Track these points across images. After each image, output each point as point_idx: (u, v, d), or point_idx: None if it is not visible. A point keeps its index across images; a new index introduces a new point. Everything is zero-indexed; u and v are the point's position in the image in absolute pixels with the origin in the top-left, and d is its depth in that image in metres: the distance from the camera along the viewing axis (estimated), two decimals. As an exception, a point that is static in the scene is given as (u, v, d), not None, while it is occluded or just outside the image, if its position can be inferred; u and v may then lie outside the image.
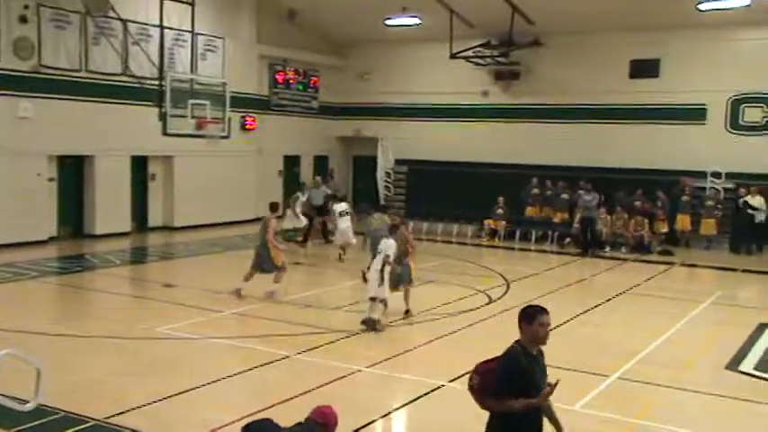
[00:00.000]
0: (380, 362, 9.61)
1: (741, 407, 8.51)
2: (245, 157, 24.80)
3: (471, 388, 4.80)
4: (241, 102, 24.04)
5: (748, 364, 10.09)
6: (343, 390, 8.45)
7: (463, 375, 9.02)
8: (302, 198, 20.75)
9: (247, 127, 24.86)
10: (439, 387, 8.65)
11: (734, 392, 8.88)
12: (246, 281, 13.37)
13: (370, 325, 11.11)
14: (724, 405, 8.62)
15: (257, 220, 24.75)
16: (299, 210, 20.34)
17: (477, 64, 24.93)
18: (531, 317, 4.71)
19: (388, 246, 11.35)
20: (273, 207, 14.13)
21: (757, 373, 9.73)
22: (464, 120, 26.20)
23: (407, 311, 12.18)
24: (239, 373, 9.02)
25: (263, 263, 13.37)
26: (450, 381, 8.82)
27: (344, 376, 8.95)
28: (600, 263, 19.39)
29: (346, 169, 29.74)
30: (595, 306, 13.68)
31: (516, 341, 4.70)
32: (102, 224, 20.60)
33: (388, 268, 11.27)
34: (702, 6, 20.86)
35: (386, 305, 11.48)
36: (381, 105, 27.67)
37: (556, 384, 4.51)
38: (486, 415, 4.77)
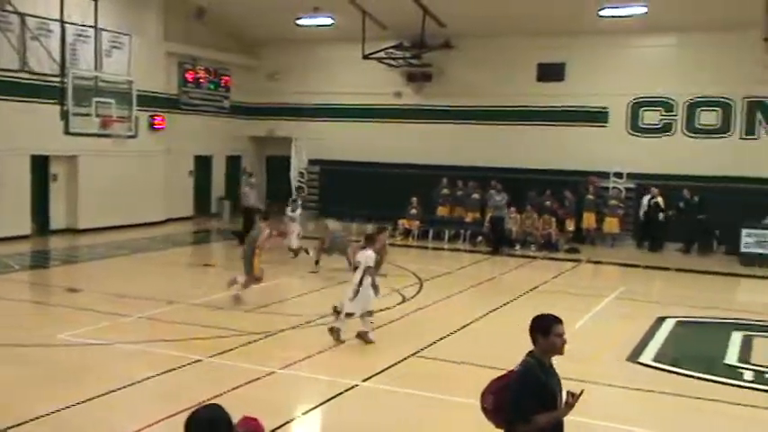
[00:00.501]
0: (295, 363, 9.56)
1: (642, 397, 8.90)
2: (154, 157, 24.17)
3: (485, 409, 4.55)
4: (149, 100, 23.44)
5: (648, 356, 10.56)
6: (257, 392, 8.37)
7: (378, 374, 9.16)
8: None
9: (155, 126, 24.23)
10: (353, 387, 8.67)
11: (635, 383, 9.28)
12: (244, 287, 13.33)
13: (335, 334, 10.55)
14: (626, 395, 9.00)
15: (168, 221, 24.41)
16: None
17: (390, 65, 25.14)
18: (547, 328, 4.45)
19: (368, 257, 10.73)
20: (266, 215, 14.61)
21: (656, 365, 10.19)
22: (377, 120, 26.34)
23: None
24: (149, 378, 8.79)
25: (245, 264, 13.44)
26: (365, 380, 8.88)
27: (259, 378, 8.86)
28: (510, 261, 19.87)
29: (260, 169, 29.41)
30: (505, 303, 14.00)
31: (530, 354, 4.46)
32: (0, 227, 19.65)
33: (368, 280, 10.61)
34: (603, 13, 21.72)
35: (347, 317, 10.65)
36: (295, 105, 27.51)
37: (580, 394, 4.32)
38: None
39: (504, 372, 4.58)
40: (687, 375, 9.70)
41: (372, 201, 23.94)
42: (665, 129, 22.91)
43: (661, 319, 12.77)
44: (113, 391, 8.22)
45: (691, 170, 21.79)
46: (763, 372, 9.94)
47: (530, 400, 4.27)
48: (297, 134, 26.74)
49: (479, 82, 24.54)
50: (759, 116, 21.84)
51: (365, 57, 24.09)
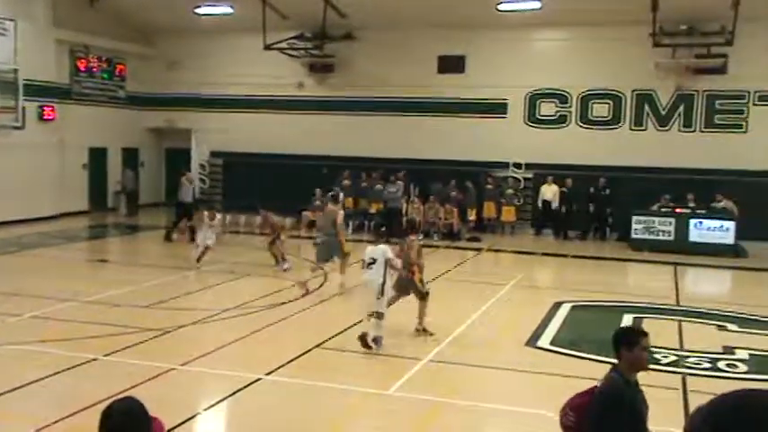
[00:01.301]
0: (196, 358, 9.36)
1: (541, 380, 9.18)
2: (45, 150, 23.09)
3: (566, 426, 4.36)
4: (37, 90, 22.38)
5: (546, 340, 10.91)
6: (157, 389, 8.13)
7: (282, 367, 9.09)
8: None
9: (45, 117, 23.14)
10: (257, 380, 8.57)
11: (533, 367, 9.57)
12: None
13: (365, 341, 9.70)
14: (525, 379, 9.27)
15: (61, 216, 23.38)
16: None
17: (292, 56, 24.91)
18: (633, 341, 4.22)
19: (384, 251, 10.08)
20: (335, 198, 15.15)
21: (553, 348, 10.54)
22: (280, 112, 26.07)
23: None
24: (39, 380, 8.40)
25: (333, 252, 13.85)
26: (268, 373, 8.79)
27: (158, 375, 8.62)
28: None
29: (158, 162, 28.62)
30: (409, 292, 14.12)
31: (613, 368, 4.23)
32: None
33: (389, 280, 10.02)
34: (502, 7, 22.23)
35: (381, 318, 9.96)
36: (195, 96, 26.87)
37: None
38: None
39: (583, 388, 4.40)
40: (582, 357, 10.07)
41: (276, 193, 23.68)
42: (561, 120, 23.67)
43: (558, 304, 13.21)
44: (3, 394, 7.83)
45: (585, 160, 22.61)
46: (651, 351, 10.41)
47: (614, 420, 4.02)
48: (198, 126, 26.16)
49: (382, 73, 24.65)
50: (647, 108, 22.87)
51: (266, 47, 23.78)
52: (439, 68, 24.37)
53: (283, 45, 24.22)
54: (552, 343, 10.81)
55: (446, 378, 9.06)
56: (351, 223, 23.20)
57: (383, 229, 19.62)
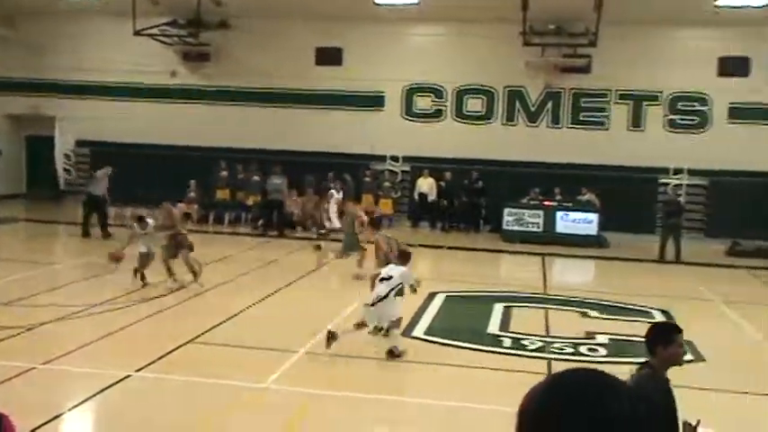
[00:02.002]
0: (59, 357, 8.90)
1: (415, 368, 9.36)
2: None
3: None
4: None
5: (420, 330, 11.12)
6: (16, 390, 7.68)
7: (152, 363, 8.79)
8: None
9: None
10: (125, 378, 8.26)
11: (410, 357, 9.72)
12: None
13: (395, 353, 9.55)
14: (401, 368, 9.40)
15: None
16: (332, 210, 18.95)
17: (164, 43, 24.10)
18: (669, 337, 4.23)
19: (404, 275, 9.96)
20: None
21: (428, 338, 10.76)
22: (152, 100, 25.18)
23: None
24: None
25: (353, 248, 14.30)
26: (137, 370, 8.49)
27: (17, 375, 8.14)
28: (292, 243, 19.95)
29: (18, 151, 26.97)
30: (286, 285, 14.05)
31: (646, 363, 4.22)
32: None
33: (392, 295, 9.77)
34: (379, 1, 22.41)
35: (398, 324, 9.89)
36: (61, 82, 25.50)
37: (697, 425, 4.10)
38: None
39: None
40: (455, 346, 10.34)
41: (149, 184, 22.84)
42: (437, 114, 24.17)
43: (432, 295, 13.48)
44: None
45: (460, 154, 23.21)
46: (520, 338, 10.86)
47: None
48: (64, 113, 24.85)
49: (258, 64, 24.28)
50: (518, 105, 23.73)
51: (136, 33, 22.88)
52: (317, 60, 24.28)
53: (155, 31, 23.39)
54: (426, 333, 11.03)
55: (322, 370, 9.06)
56: (227, 216, 22.81)
57: (261, 222, 19.34)
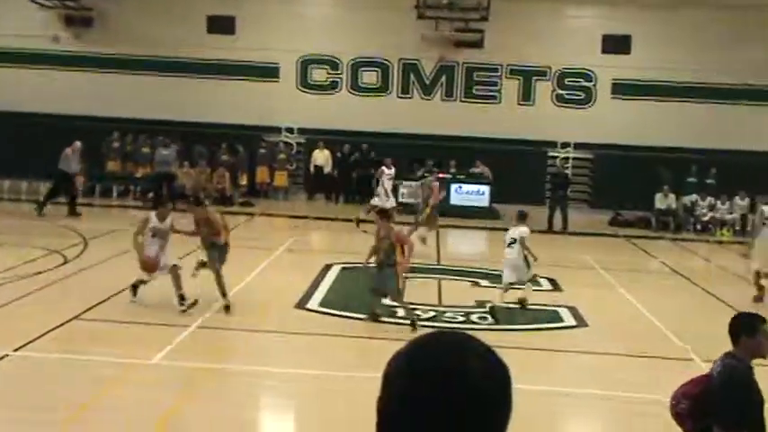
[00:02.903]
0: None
1: (307, 340, 9.36)
2: None
3: (677, 414, 4.17)
4: None
5: (315, 302, 11.12)
6: None
7: (34, 341, 8.40)
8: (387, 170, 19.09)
9: None
10: (2, 357, 7.88)
11: (301, 328, 9.72)
12: None
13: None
14: (296, 341, 9.39)
15: None
16: (388, 186, 18.49)
17: (44, 5, 22.79)
18: (754, 328, 4.09)
19: (522, 232, 11.04)
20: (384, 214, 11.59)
21: (322, 309, 10.78)
22: (33, 66, 23.79)
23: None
24: None
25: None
26: (16, 349, 8.11)
27: None
28: (185, 217, 19.43)
29: None
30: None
31: (729, 354, 4.07)
32: None
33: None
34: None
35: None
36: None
37: None
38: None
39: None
40: (349, 317, 10.41)
41: (29, 155, 21.70)
42: (333, 86, 24.04)
43: (328, 267, 13.50)
44: None
45: (356, 126, 23.18)
46: (412, 308, 11.03)
47: (746, 403, 3.92)
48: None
49: (147, 31, 23.33)
50: (413, 78, 23.92)
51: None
52: (208, 28, 23.59)
53: (32, -8, 22.08)
54: (321, 304, 11.04)
55: (214, 344, 8.95)
56: (115, 189, 22.01)
57: (150, 195, 18.75)
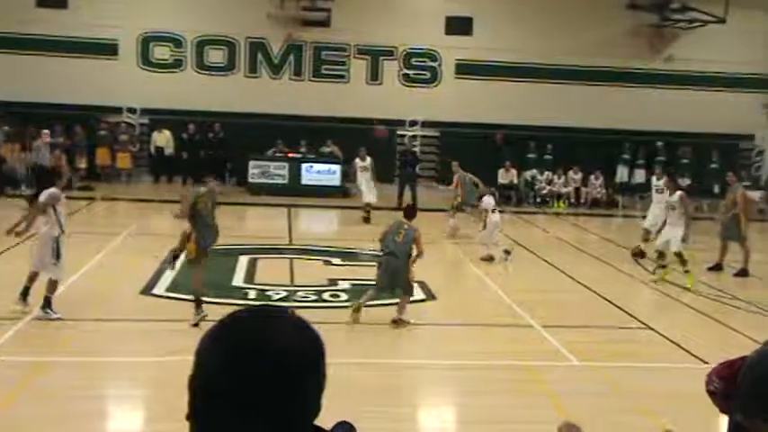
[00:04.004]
0: None
1: (153, 327, 9.06)
2: None
3: (711, 392, 3.82)
4: None
5: (162, 288, 10.76)
6: None
7: None
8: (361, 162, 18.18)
9: None
10: None
11: (148, 315, 9.39)
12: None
13: None
14: (138, 328, 9.06)
15: None
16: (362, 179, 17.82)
17: None
18: None
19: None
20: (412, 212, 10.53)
21: (169, 294, 10.45)
22: None
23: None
24: None
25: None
26: None
27: None
28: (16, 203, 18.18)
29: None
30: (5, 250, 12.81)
31: None
32: None
33: None
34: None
35: None
36: None
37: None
38: None
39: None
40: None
41: None
42: (177, 65, 23.20)
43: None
44: None
45: (203, 106, 22.48)
46: (265, 289, 10.96)
47: (760, 398, 3.78)
48: None
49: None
50: (260, 56, 23.51)
51: None
52: (38, 2, 22.01)
53: None
54: (168, 290, 10.70)
55: (51, 336, 8.45)
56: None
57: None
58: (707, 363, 8.72)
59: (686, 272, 12.29)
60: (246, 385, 1.41)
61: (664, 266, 12.74)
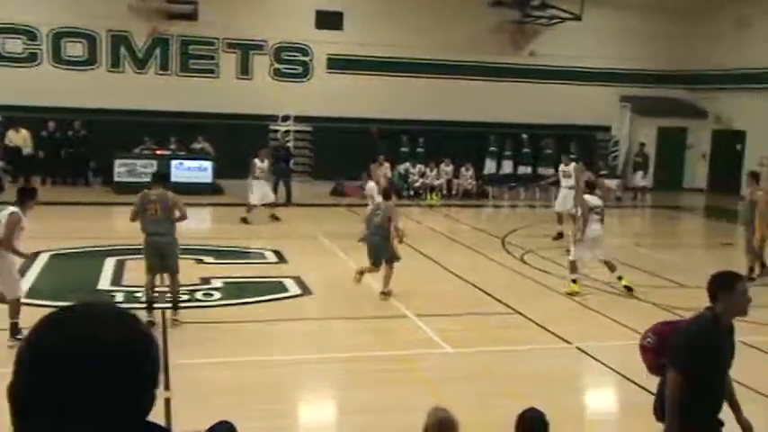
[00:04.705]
0: None
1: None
2: None
3: (643, 347, 4.29)
4: None
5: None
6: None
7: None
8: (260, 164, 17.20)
9: None
10: None
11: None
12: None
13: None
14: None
15: None
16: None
17: None
18: (731, 284, 4.13)
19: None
20: (387, 194, 11.76)
21: (29, 301, 9.81)
22: None
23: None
24: None
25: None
26: None
27: None
28: None
29: None
30: None
31: (708, 308, 4.10)
32: None
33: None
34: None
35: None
36: None
37: None
38: None
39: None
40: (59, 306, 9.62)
41: None
42: (32, 59, 21.91)
43: (35, 254, 12.36)
44: None
45: (62, 102, 21.32)
46: (133, 291, 10.55)
47: (694, 357, 4.05)
48: None
49: None
50: (123, 50, 22.60)
51: None
52: None
53: None
54: (28, 295, 10.07)
55: None
56: None
57: None
58: (570, 343, 9.18)
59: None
60: (71, 388, 1.34)
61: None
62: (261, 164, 17.58)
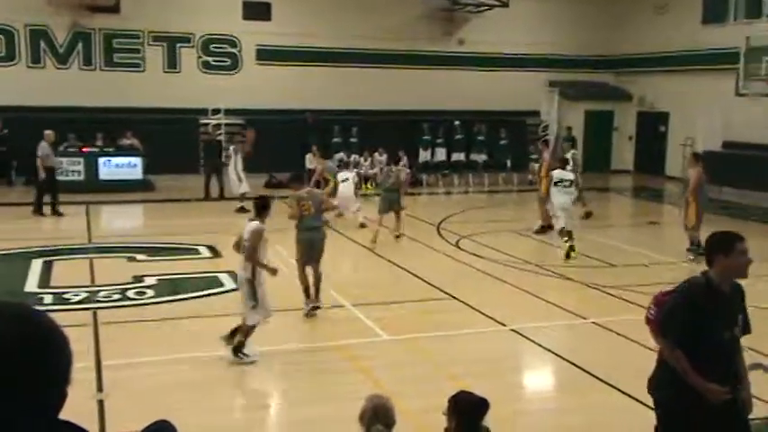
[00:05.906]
0: None
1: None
2: None
3: (647, 319, 4.21)
4: None
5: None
6: None
7: None
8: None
9: None
10: None
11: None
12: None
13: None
14: None
15: None
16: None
17: None
18: (730, 245, 3.91)
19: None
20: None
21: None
22: None
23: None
24: None
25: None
26: None
27: None
28: None
29: None
30: None
31: (703, 273, 3.94)
32: None
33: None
34: None
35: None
36: None
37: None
38: None
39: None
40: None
41: None
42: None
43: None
44: None
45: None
46: (62, 293, 10.27)
47: (678, 318, 3.96)
48: None
49: None
50: (43, 45, 21.87)
51: None
52: None
53: None
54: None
55: None
56: None
57: None
58: (505, 325, 9.35)
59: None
60: None
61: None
62: (235, 156, 18.25)
